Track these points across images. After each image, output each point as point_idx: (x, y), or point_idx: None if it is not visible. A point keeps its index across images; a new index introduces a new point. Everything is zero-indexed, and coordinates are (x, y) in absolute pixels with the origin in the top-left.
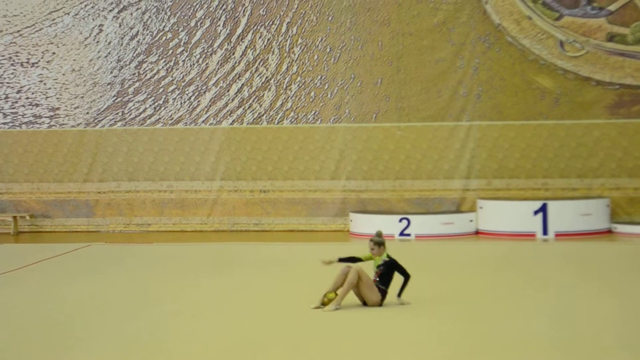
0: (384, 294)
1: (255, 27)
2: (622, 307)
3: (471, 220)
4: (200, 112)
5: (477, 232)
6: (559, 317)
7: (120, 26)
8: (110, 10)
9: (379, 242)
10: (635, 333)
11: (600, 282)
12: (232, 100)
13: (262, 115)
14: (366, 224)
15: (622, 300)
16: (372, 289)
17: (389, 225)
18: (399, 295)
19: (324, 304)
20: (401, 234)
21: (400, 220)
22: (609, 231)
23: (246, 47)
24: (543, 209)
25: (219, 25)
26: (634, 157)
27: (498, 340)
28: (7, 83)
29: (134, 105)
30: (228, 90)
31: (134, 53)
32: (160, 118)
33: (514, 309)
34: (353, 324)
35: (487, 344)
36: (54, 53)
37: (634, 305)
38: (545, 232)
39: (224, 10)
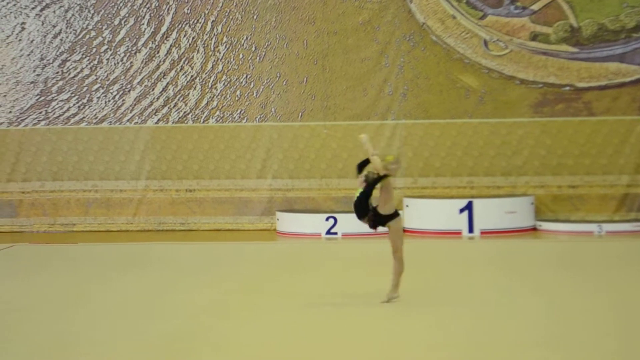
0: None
1: (179, 26)
2: (548, 304)
3: None
4: (125, 111)
5: (403, 231)
6: (479, 315)
7: (43, 24)
8: (33, 8)
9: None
10: (557, 330)
11: (524, 280)
12: (157, 99)
13: (188, 114)
14: (293, 223)
15: (546, 297)
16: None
17: (315, 224)
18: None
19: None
20: (328, 232)
21: (327, 219)
22: (534, 228)
23: (171, 45)
24: (469, 207)
25: (143, 24)
26: (558, 155)
27: (422, 338)
28: None
29: (57, 104)
30: (153, 89)
31: (57, 51)
32: (84, 117)
33: (433, 308)
34: (282, 327)
35: (414, 342)
36: None
37: (558, 302)
38: (471, 230)
39: (148, 8)
